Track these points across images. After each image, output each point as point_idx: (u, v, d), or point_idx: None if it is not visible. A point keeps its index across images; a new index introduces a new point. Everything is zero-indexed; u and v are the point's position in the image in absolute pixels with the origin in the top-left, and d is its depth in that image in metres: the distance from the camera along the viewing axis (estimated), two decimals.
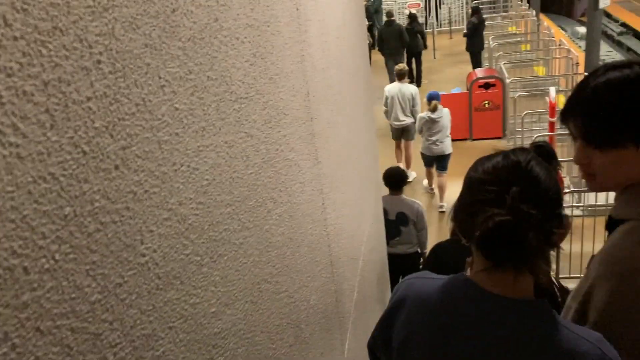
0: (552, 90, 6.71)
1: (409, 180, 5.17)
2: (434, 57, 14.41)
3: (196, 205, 0.93)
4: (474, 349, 1.01)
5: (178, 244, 0.86)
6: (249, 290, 1.16)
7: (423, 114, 7.22)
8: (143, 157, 0.77)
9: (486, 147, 9.62)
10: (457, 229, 1.08)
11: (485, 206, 0.95)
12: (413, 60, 12.12)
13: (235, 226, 1.10)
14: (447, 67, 13.72)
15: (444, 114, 7.08)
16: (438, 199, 7.36)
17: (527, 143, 7.14)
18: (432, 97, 7.09)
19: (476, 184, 1.03)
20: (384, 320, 1.25)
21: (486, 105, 9.21)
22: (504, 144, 9.13)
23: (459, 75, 12.36)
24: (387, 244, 4.56)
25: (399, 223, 4.67)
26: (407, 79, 8.21)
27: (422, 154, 7.33)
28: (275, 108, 1.39)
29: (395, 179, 4.66)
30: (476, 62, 12.05)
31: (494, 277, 1.02)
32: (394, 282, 4.74)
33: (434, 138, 7.01)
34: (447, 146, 7.14)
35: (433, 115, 7.02)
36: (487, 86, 9.13)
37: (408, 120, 7.93)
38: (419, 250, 4.85)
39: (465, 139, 9.47)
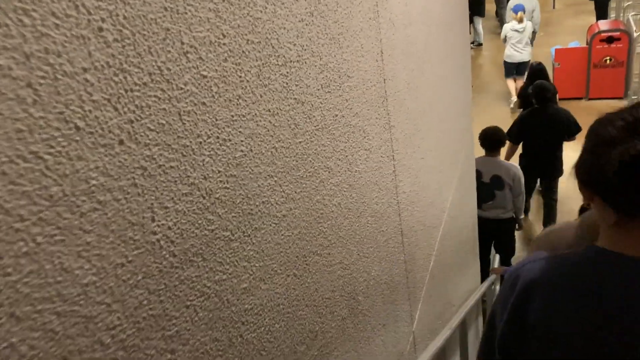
0: None
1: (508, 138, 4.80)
2: (554, 7, 13.24)
3: (226, 178, 0.89)
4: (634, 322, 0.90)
5: (201, 219, 0.83)
6: (293, 263, 1.12)
7: (508, 24, 8.18)
8: (157, 129, 0.73)
9: (604, 107, 8.72)
10: (581, 181, 1.00)
11: (618, 143, 0.90)
12: None
13: (278, 198, 1.05)
14: (567, 18, 12.58)
15: (528, 27, 8.10)
16: None
17: None
18: (517, 9, 8.12)
19: (604, 136, 0.94)
20: (511, 312, 1.06)
21: (607, 62, 8.35)
22: (624, 105, 8.30)
23: (581, 27, 11.29)
24: (480, 207, 4.33)
25: (493, 186, 4.41)
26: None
27: (505, 62, 8.41)
28: (335, 71, 1.30)
29: (491, 140, 4.36)
30: (602, 13, 10.90)
31: (634, 236, 0.92)
32: (485, 247, 4.54)
33: (518, 46, 8.13)
34: (527, 54, 8.27)
35: (517, 27, 8.00)
36: (610, 40, 8.25)
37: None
38: (514, 216, 4.58)
39: (581, 98, 8.71)
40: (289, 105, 1.08)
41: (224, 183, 0.88)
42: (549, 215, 5.39)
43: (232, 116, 0.90)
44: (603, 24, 8.89)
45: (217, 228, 0.87)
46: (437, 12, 2.44)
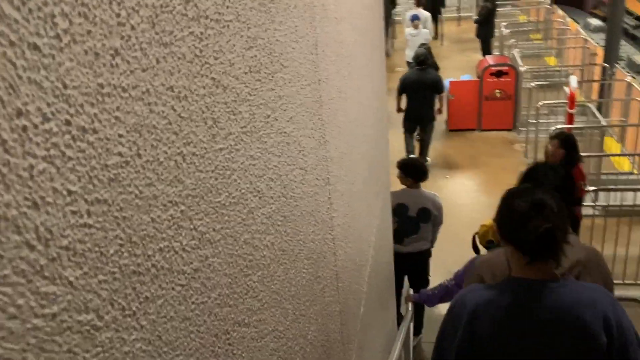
0: (573, 79, 6.20)
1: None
2: (442, 44, 13.83)
3: (85, 207, 0.45)
4: (546, 318, 1.42)
5: (28, 296, 0.38)
6: (209, 346, 0.68)
7: (407, 29, 9.52)
8: None
9: (495, 139, 9.15)
10: (503, 238, 1.50)
11: (529, 220, 1.39)
12: None
13: (185, 241, 0.62)
14: (455, 54, 13.16)
15: (422, 32, 9.35)
16: None
17: (541, 137, 6.55)
18: (413, 18, 9.50)
19: (518, 210, 1.43)
20: (464, 329, 1.47)
21: (497, 95, 8.68)
22: (513, 137, 8.64)
23: (468, 62, 11.82)
24: (400, 242, 4.06)
25: (420, 219, 4.14)
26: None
27: (407, 61, 8.98)
28: (267, 51, 0.89)
29: (419, 170, 4.11)
30: (487, 50, 11.48)
31: (533, 268, 1.44)
32: (399, 283, 4.26)
33: (414, 48, 8.21)
34: None
35: (413, 32, 9.34)
36: (499, 74, 8.61)
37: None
38: (429, 247, 4.36)
39: (474, 130, 8.96)
40: (204, 88, 0.66)
41: (80, 217, 0.44)
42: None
43: (101, 86, 0.46)
44: (491, 59, 9.30)
45: (64, 310, 0.42)
46: (361, 19, 2.14)
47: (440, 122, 9.21)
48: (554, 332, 1.40)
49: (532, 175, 2.06)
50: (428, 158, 7.84)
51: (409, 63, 8.89)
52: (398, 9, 14.30)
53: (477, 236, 3.43)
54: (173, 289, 0.59)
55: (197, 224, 0.64)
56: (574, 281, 1.49)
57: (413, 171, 4.06)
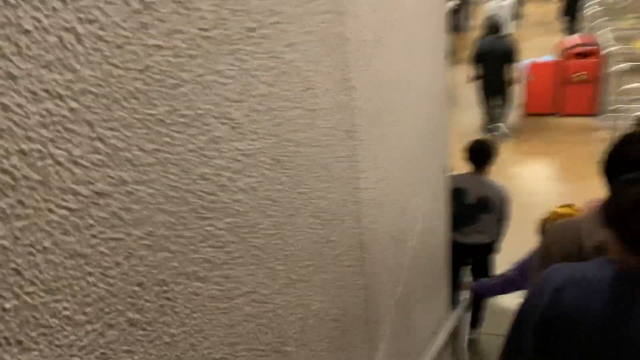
0: None
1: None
2: (523, 25, 13.09)
3: None
4: None
5: None
6: (124, 302, 0.53)
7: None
8: None
9: (576, 126, 8.50)
10: (606, 225, 1.35)
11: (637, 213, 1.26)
12: None
13: (72, 150, 0.47)
14: (536, 36, 12.40)
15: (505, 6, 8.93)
16: None
17: (627, 125, 5.94)
18: None
19: (628, 200, 1.29)
20: (550, 300, 1.36)
21: (579, 78, 8.06)
22: (595, 123, 8.01)
23: (550, 45, 11.12)
24: (458, 230, 3.76)
25: (479, 209, 3.81)
26: None
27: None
28: None
29: (481, 154, 3.73)
30: (572, 30, 10.75)
31: (636, 256, 1.29)
32: (456, 273, 3.99)
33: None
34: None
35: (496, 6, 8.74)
36: (584, 55, 7.97)
37: None
38: (493, 242, 4.02)
39: (552, 114, 8.39)
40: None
41: None
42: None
43: None
44: (576, 39, 8.64)
45: None
46: None
47: (517, 105, 8.72)
48: None
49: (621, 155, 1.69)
50: (506, 130, 7.92)
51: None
52: None
53: (546, 222, 3.15)
54: (51, 210, 0.44)
55: (103, 133, 0.48)
56: None
57: (473, 155, 3.72)
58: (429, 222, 2.40)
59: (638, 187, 1.29)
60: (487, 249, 3.99)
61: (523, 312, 1.41)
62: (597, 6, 10.37)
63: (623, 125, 6.90)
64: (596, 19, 9.47)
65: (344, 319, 1.21)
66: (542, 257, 1.80)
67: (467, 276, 4.27)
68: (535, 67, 8.24)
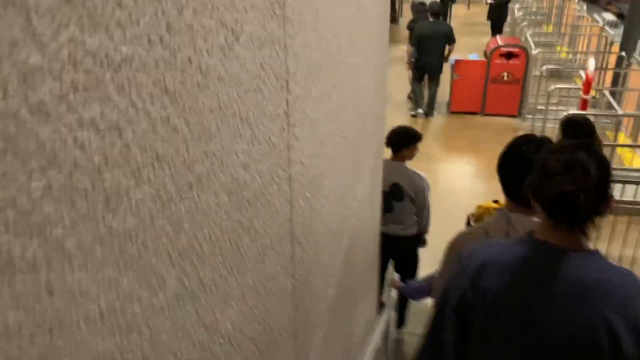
0: (592, 62, 5.68)
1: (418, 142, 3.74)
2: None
3: None
4: (554, 291, 1.27)
5: None
6: None
7: None
8: None
9: (499, 125, 8.61)
10: (530, 194, 1.33)
11: (555, 178, 1.26)
12: None
13: None
14: (464, 37, 12.58)
15: None
16: None
17: (548, 126, 5.99)
18: None
19: (548, 167, 1.29)
20: (470, 281, 1.34)
21: (505, 78, 8.16)
22: (517, 124, 8.13)
23: (477, 45, 11.30)
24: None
25: (391, 196, 3.58)
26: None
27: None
28: None
29: (396, 138, 3.50)
30: (497, 32, 10.95)
31: (557, 233, 1.30)
32: (381, 266, 3.77)
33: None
34: None
35: None
36: (509, 56, 8.07)
37: None
38: (419, 233, 3.82)
39: (476, 113, 8.45)
40: None
41: None
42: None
43: None
44: (502, 39, 8.75)
45: None
46: None
47: (442, 103, 8.73)
48: (564, 306, 1.25)
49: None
50: (435, 112, 8.31)
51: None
52: None
53: (471, 217, 3.01)
54: None
55: None
56: (602, 259, 1.32)
57: (390, 140, 3.51)
58: (365, 211, 2.11)
59: (559, 154, 1.28)
60: (409, 243, 3.78)
61: (446, 293, 1.39)
62: (521, 12, 10.64)
63: (541, 127, 7.05)
64: (520, 23, 9.68)
65: (266, 336, 0.88)
66: (450, 265, 1.70)
67: (390, 269, 4.06)
68: (460, 64, 8.25)
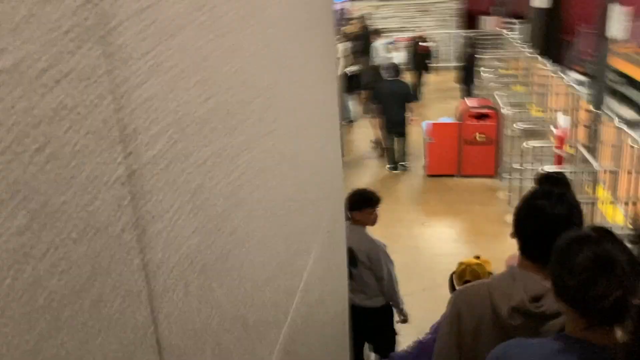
0: (561, 117, 5.62)
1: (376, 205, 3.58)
2: (420, 93, 13.45)
3: None
4: None
5: None
6: None
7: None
8: None
9: (476, 186, 8.47)
10: (557, 295, 1.26)
11: (596, 283, 1.17)
12: None
13: None
14: (435, 103, 12.75)
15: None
16: None
17: (526, 185, 5.80)
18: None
19: (580, 266, 1.21)
20: None
21: (479, 139, 8.11)
22: (496, 184, 8.01)
23: (449, 109, 11.41)
24: None
25: (348, 262, 3.33)
26: None
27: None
28: None
29: (352, 200, 3.29)
30: (468, 95, 11.09)
31: (597, 332, 1.22)
32: (356, 344, 3.43)
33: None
34: None
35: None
36: (481, 117, 8.06)
37: None
38: (389, 305, 3.48)
39: (453, 176, 8.34)
40: None
41: None
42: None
43: None
44: (472, 101, 8.80)
45: None
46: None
47: (418, 167, 8.64)
48: None
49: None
50: (406, 163, 8.61)
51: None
52: None
53: (454, 276, 2.85)
54: None
55: None
56: None
57: (346, 202, 3.32)
58: (326, 270, 1.85)
59: (585, 249, 1.20)
60: (378, 316, 3.43)
61: None
62: (490, 74, 10.82)
63: (519, 186, 6.93)
64: (488, 85, 9.79)
65: None
66: (452, 323, 1.65)
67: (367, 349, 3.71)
68: (434, 128, 8.22)
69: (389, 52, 10.87)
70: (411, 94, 8.18)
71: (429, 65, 12.49)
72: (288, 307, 1.44)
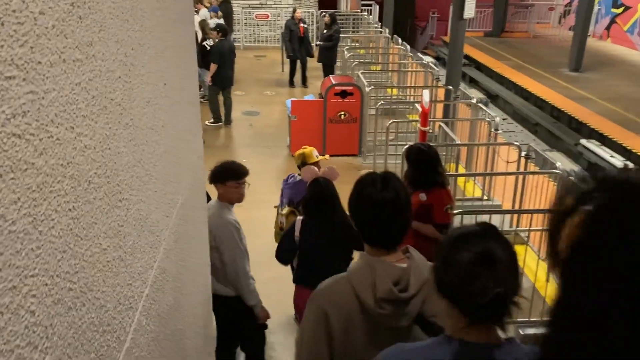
0: (426, 93, 5.64)
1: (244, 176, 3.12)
2: (283, 71, 13.19)
3: None
4: None
5: None
6: None
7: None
8: None
9: (341, 164, 8.33)
10: (439, 291, 1.26)
11: (476, 279, 1.18)
12: None
13: None
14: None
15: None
16: None
17: (390, 163, 5.77)
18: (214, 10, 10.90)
19: (462, 262, 1.21)
20: None
21: (342, 117, 8.01)
22: (359, 163, 7.99)
23: (312, 88, 11.27)
24: None
25: None
26: None
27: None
28: None
29: (215, 171, 2.99)
30: (330, 73, 11.02)
31: (475, 330, 1.23)
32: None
33: None
34: None
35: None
36: (344, 94, 7.95)
37: None
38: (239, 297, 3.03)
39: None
40: None
41: None
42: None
43: None
44: (335, 79, 8.68)
45: None
46: None
47: (282, 146, 8.37)
48: None
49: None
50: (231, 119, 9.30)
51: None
52: None
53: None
54: None
55: None
56: (518, 345, 1.24)
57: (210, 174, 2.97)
58: (185, 258, 1.43)
59: (469, 245, 1.20)
60: (232, 305, 2.99)
61: None
62: (351, 53, 10.84)
63: (384, 163, 6.95)
64: (351, 65, 9.77)
65: None
66: (319, 324, 1.59)
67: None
68: (297, 105, 7.97)
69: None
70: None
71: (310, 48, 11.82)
72: (154, 260, 1.01)
